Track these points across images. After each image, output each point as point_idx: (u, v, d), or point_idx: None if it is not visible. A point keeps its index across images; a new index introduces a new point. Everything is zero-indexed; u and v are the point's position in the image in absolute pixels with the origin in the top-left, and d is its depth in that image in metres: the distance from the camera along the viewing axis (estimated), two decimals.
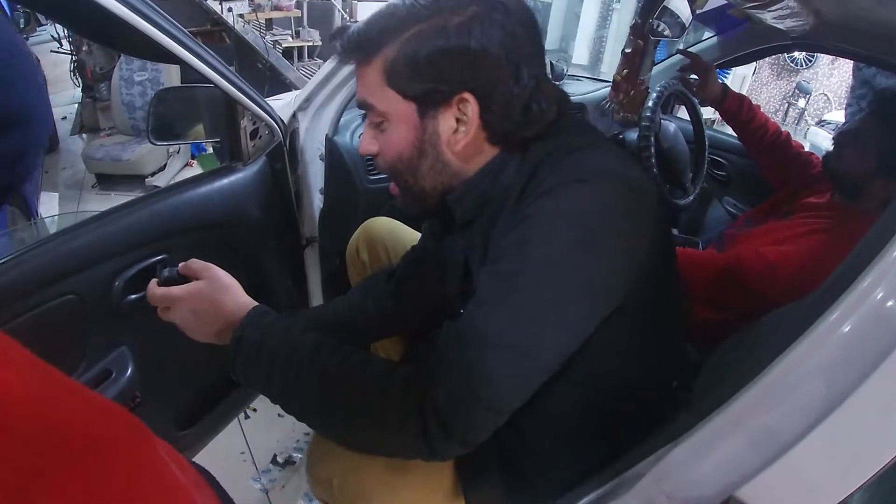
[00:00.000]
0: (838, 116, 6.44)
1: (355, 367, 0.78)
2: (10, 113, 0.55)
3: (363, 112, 0.88)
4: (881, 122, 1.47)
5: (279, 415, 1.10)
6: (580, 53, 9.89)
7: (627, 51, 1.87)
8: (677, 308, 0.94)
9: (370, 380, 0.76)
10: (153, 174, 4.14)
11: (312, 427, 0.97)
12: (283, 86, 5.02)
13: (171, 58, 1.04)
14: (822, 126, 6.75)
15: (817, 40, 1.91)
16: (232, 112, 1.33)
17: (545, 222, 0.75)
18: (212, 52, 1.15)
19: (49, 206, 3.38)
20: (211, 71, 1.14)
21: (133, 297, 1.16)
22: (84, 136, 5.05)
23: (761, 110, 1.93)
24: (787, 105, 7.78)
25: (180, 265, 0.95)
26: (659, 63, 2.33)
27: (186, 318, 0.90)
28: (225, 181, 1.36)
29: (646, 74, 1.94)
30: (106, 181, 4.23)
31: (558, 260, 0.74)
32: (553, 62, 2.41)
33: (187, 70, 1.11)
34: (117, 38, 1.05)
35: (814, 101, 7.63)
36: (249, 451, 1.82)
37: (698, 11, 1.86)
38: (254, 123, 1.37)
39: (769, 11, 1.47)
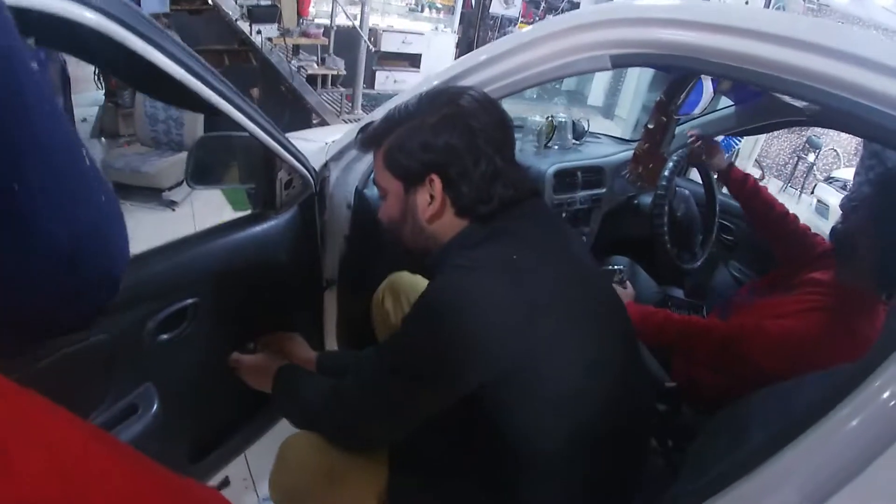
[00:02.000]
0: (847, 174, 6.47)
1: (313, 386, 1.17)
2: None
3: None
4: (885, 197, 1.48)
5: None
6: (595, 95, 10.03)
7: (650, 126, 1.92)
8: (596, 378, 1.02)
9: (315, 392, 1.14)
10: (171, 188, 4.16)
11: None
12: (305, 110, 5.09)
13: (214, 109, 1.07)
14: (831, 183, 6.80)
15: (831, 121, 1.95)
16: (269, 162, 1.37)
17: (423, 295, 0.97)
18: (252, 104, 1.18)
19: None
20: (252, 124, 1.17)
21: (164, 337, 1.23)
22: (103, 140, 5.05)
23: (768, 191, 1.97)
24: (796, 159, 7.85)
25: (259, 342, 1.45)
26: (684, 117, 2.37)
27: (250, 375, 1.34)
28: (258, 229, 1.40)
29: (666, 148, 1.99)
30: (123, 190, 4.17)
31: (408, 333, 1.00)
32: (574, 121, 2.47)
33: None
34: (159, 89, 1.07)
35: (823, 156, 7.69)
36: (252, 479, 1.89)
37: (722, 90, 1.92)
38: (289, 174, 1.41)
39: None
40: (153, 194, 4.17)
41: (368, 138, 1.13)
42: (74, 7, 0.74)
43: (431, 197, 1.04)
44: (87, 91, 5.66)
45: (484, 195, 1.02)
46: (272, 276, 1.47)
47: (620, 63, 1.08)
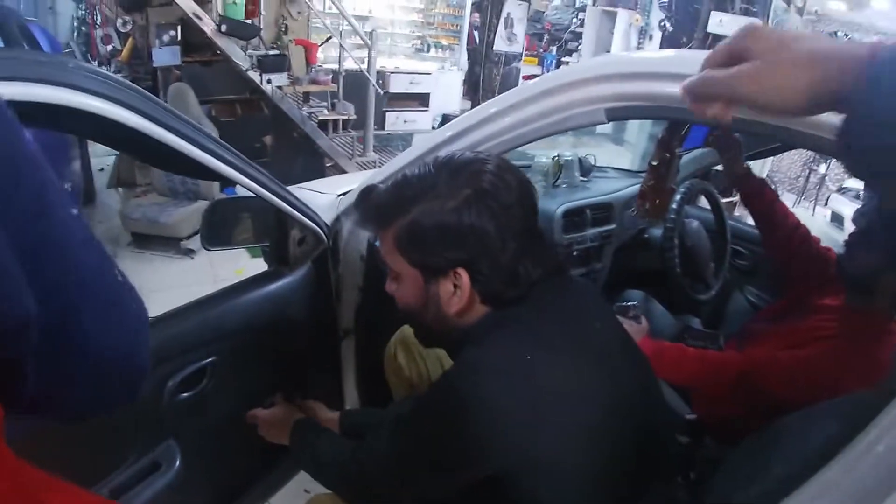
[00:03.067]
0: (859, 184, 6.42)
1: (331, 445, 1.19)
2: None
3: None
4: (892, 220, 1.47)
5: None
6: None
7: (654, 163, 1.94)
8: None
9: (333, 452, 1.16)
10: (188, 237, 4.24)
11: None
12: (317, 155, 5.17)
13: (225, 179, 1.12)
14: (844, 193, 6.75)
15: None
16: (281, 223, 1.42)
17: (436, 385, 0.96)
18: (261, 169, 1.22)
19: None
20: (260, 187, 1.22)
21: (184, 395, 1.27)
22: (120, 190, 5.14)
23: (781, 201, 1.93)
24: (808, 171, 7.80)
25: (277, 397, 1.42)
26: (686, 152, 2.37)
27: (267, 429, 1.35)
28: (272, 286, 1.44)
29: (671, 183, 2.01)
30: (142, 240, 4.32)
31: (413, 422, 0.99)
32: (581, 158, 2.49)
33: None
34: (168, 162, 1.11)
35: (834, 166, 7.63)
36: None
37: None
38: (301, 232, 1.45)
39: None
40: (171, 243, 4.26)
41: (373, 216, 1.03)
42: (81, 97, 0.79)
43: (455, 287, 0.95)
44: None
45: (512, 279, 0.94)
46: (288, 332, 1.50)
47: (616, 116, 1.09)
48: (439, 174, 0.94)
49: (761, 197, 1.86)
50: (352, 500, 1.16)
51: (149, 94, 0.95)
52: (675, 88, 0.99)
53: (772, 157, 7.00)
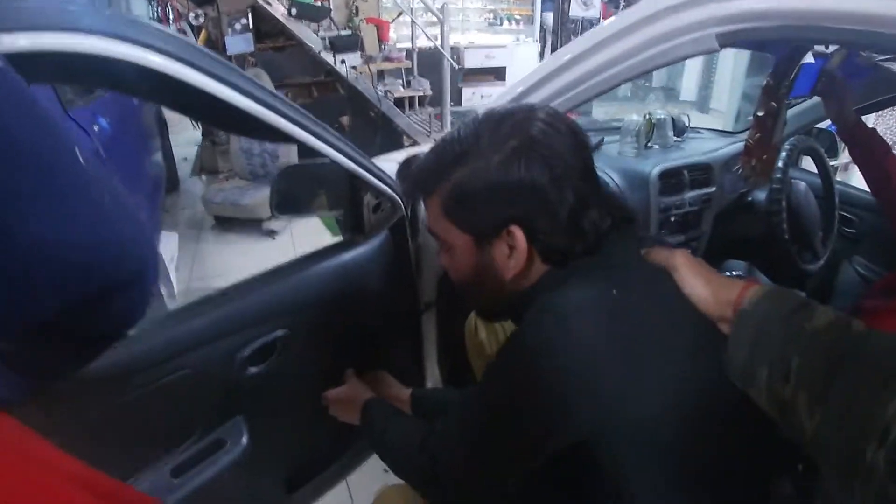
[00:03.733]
0: None
1: (401, 432, 1.10)
2: (128, 277, 0.49)
3: None
4: None
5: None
6: (688, 90, 9.65)
7: (760, 114, 1.74)
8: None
9: (403, 440, 1.07)
10: (269, 219, 4.29)
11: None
12: (395, 133, 5.14)
13: (292, 139, 1.04)
14: None
15: None
16: (354, 188, 1.33)
17: (509, 343, 0.87)
18: (332, 131, 1.14)
19: (169, 246, 3.54)
20: (333, 150, 1.13)
21: (252, 370, 1.20)
22: (203, 177, 5.34)
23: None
24: None
25: (348, 374, 1.36)
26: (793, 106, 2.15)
27: (337, 408, 1.30)
28: (346, 256, 1.36)
29: (779, 137, 1.81)
30: (224, 223, 4.43)
31: (494, 386, 0.89)
32: (674, 117, 2.32)
33: None
34: (237, 125, 1.06)
35: None
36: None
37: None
38: (376, 198, 1.36)
39: None
40: (253, 225, 4.34)
41: (415, 185, 0.96)
42: (139, 52, 0.74)
43: (511, 249, 0.86)
44: (186, 131, 6.01)
45: (576, 231, 0.84)
46: (364, 304, 1.42)
47: (729, 42, 0.95)
48: (480, 130, 0.86)
49: (872, 148, 1.67)
50: (426, 493, 1.04)
51: (209, 51, 0.88)
52: (797, 2, 0.85)
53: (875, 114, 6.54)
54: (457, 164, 0.86)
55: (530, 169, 0.81)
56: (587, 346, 0.77)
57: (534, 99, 1.20)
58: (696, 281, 0.80)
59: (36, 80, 0.58)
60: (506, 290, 0.91)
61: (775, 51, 1.59)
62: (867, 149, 1.67)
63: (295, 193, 1.35)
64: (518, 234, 0.84)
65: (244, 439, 1.18)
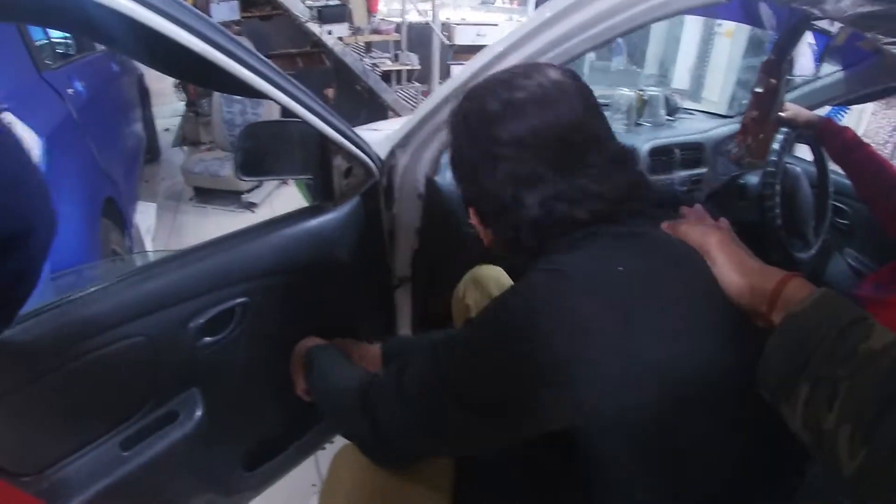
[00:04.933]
0: None
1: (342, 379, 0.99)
2: (8, 235, 0.45)
3: None
4: None
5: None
6: (680, 77, 9.56)
7: (759, 90, 1.67)
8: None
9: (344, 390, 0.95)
10: (249, 191, 4.22)
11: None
12: (381, 108, 5.05)
13: (260, 94, 0.98)
14: None
15: None
16: (324, 150, 1.25)
17: (500, 297, 0.75)
18: (303, 88, 1.07)
19: (146, 216, 3.48)
20: (301, 107, 1.06)
21: (208, 339, 1.14)
22: (185, 148, 5.27)
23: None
24: None
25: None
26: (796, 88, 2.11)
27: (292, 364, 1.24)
28: (313, 222, 1.28)
29: (776, 116, 1.74)
30: (203, 194, 4.34)
31: (472, 343, 0.76)
32: (667, 97, 2.25)
33: None
34: (205, 78, 1.01)
35: None
36: (321, 484, 1.79)
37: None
38: (347, 162, 1.28)
39: None
40: (233, 197, 4.26)
41: None
42: None
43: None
44: (170, 103, 5.91)
45: (533, 237, 0.79)
46: (331, 274, 1.35)
47: None
48: (463, 107, 0.85)
49: (844, 141, 1.69)
50: (363, 450, 0.92)
51: None
52: None
53: (868, 117, 6.54)
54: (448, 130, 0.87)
55: (493, 170, 0.78)
56: (584, 312, 0.68)
57: (519, 55, 1.11)
58: (729, 268, 0.71)
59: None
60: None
61: (780, 22, 1.53)
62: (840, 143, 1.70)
63: (261, 154, 1.27)
64: (472, 214, 0.87)
65: (198, 412, 1.13)
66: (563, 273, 0.70)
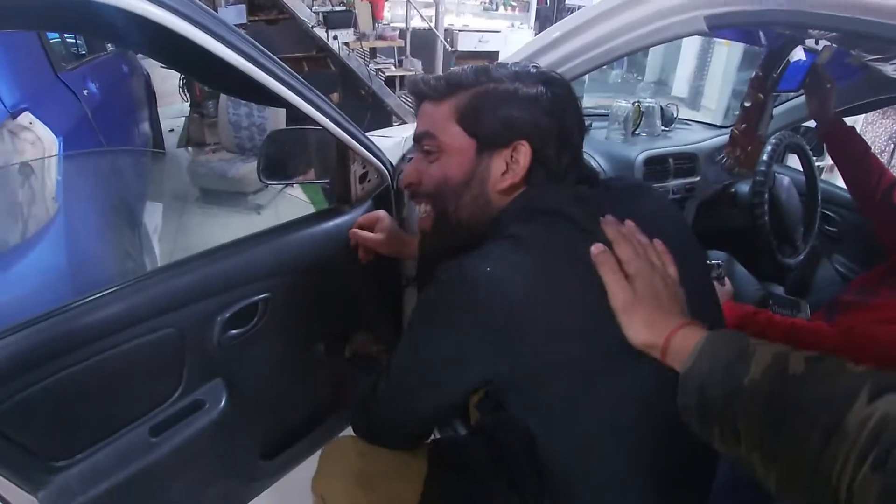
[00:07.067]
0: None
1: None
2: None
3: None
4: None
5: None
6: (679, 86, 9.64)
7: (747, 104, 1.76)
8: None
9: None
10: (255, 192, 4.26)
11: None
12: (385, 113, 5.11)
13: (281, 102, 1.04)
14: None
15: None
16: (342, 156, 1.33)
17: (460, 261, 0.83)
18: (324, 98, 1.15)
19: (153, 216, 3.51)
20: (322, 116, 1.14)
21: (234, 332, 1.21)
22: (190, 149, 5.29)
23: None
24: (892, 146, 7.33)
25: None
26: (780, 105, 2.20)
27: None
28: (331, 223, 1.36)
29: (764, 129, 1.83)
30: (209, 195, 4.38)
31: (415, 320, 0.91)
32: (663, 107, 2.33)
33: None
34: (228, 83, 1.08)
35: None
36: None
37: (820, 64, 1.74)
38: (363, 167, 1.37)
39: (891, 64, 1.36)
40: (239, 198, 4.29)
41: (432, 85, 0.95)
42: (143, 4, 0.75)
43: (508, 165, 0.90)
44: (174, 104, 5.94)
45: (562, 172, 0.91)
46: (346, 273, 1.42)
47: (717, 24, 0.94)
48: (509, 70, 0.93)
49: (850, 146, 1.70)
50: (363, 436, 1.08)
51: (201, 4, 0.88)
52: None
53: (860, 127, 6.61)
54: (484, 82, 0.91)
55: (550, 115, 0.89)
56: (543, 279, 0.79)
57: None
58: (630, 329, 0.77)
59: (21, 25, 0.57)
60: (482, 204, 0.93)
61: (768, 41, 1.61)
62: (845, 146, 1.70)
63: (283, 159, 1.36)
64: (525, 149, 0.89)
65: (223, 402, 1.19)
66: (526, 241, 0.81)
